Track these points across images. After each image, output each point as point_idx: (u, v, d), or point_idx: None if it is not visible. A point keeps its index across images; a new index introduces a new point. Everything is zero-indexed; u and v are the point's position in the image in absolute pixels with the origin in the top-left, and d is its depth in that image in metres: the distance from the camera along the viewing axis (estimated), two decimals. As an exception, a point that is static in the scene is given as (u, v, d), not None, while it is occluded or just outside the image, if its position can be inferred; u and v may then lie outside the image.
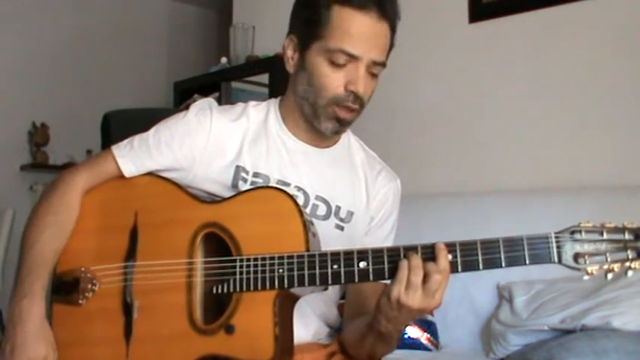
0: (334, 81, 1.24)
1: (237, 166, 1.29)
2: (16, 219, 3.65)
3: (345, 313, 1.41)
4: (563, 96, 2.60)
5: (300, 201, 1.26)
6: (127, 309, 1.20)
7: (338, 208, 1.32)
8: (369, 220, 1.37)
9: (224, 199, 1.22)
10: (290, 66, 1.32)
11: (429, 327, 2.32)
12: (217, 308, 1.16)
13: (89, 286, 1.23)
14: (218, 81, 3.58)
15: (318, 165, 1.33)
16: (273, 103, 1.38)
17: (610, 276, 1.03)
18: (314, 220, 1.22)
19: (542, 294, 2.11)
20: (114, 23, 4.87)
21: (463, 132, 2.88)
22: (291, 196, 1.16)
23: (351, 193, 1.35)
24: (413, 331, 2.30)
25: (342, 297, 1.45)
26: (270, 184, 1.27)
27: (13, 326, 1.15)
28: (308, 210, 1.28)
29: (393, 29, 1.29)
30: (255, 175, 1.29)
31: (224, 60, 3.66)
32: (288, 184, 1.29)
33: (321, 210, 1.31)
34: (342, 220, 1.33)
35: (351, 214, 1.34)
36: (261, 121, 1.34)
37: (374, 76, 1.27)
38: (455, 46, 2.93)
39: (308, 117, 1.29)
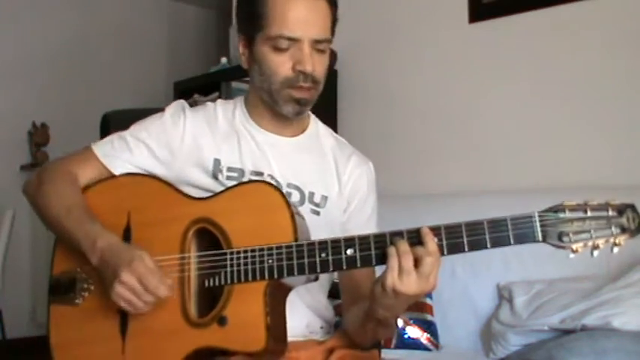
0: (282, 64, 1.28)
1: (215, 159, 1.33)
2: (16, 219, 3.65)
3: (342, 300, 1.43)
4: (563, 96, 2.60)
5: None
6: None
7: (311, 194, 1.36)
8: (345, 204, 1.40)
9: (213, 195, 1.24)
10: (244, 62, 1.37)
11: (429, 327, 2.32)
12: (211, 301, 1.17)
13: (85, 285, 1.25)
14: (218, 81, 3.57)
15: (288, 154, 1.37)
16: (240, 99, 1.43)
17: (596, 253, 1.03)
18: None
19: (542, 294, 2.11)
20: (114, 23, 4.87)
21: (463, 132, 2.88)
22: (278, 189, 1.19)
23: (322, 179, 1.38)
24: (413, 331, 2.30)
25: (337, 296, 1.46)
26: (255, 178, 1.31)
27: (105, 261, 1.17)
28: None
29: (332, 3, 1.31)
30: (230, 169, 1.33)
31: (224, 60, 3.66)
32: (261, 174, 1.33)
33: (295, 197, 1.34)
34: (317, 205, 1.36)
35: (325, 198, 1.37)
36: (230, 118, 1.39)
37: (322, 52, 1.31)
38: (455, 47, 2.93)
39: (269, 105, 1.34)
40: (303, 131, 1.42)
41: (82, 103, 4.49)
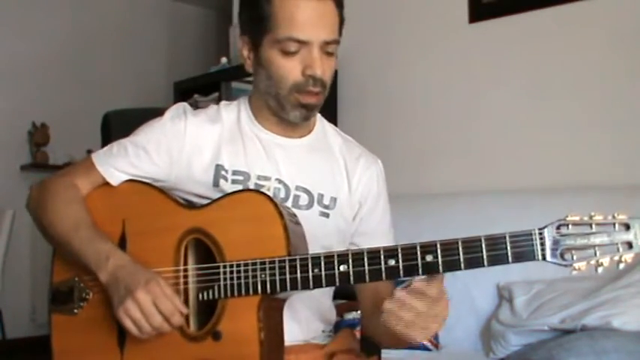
0: (291, 69, 1.24)
1: (217, 165, 1.30)
2: (16, 219, 3.65)
3: (361, 306, 1.40)
4: (563, 96, 2.60)
5: (282, 193, 1.28)
6: None
7: (321, 195, 1.33)
8: (356, 205, 1.37)
9: (206, 204, 1.22)
10: (248, 66, 1.33)
11: (429, 327, 2.32)
12: (208, 314, 1.17)
13: (83, 295, 1.24)
14: (218, 81, 3.57)
15: (295, 155, 1.34)
16: (243, 101, 1.39)
17: (600, 270, 0.99)
18: (297, 212, 1.23)
19: (542, 294, 2.11)
20: (114, 23, 4.87)
21: (463, 132, 2.88)
22: (271, 199, 1.16)
23: (331, 179, 1.35)
24: (413, 331, 2.30)
25: (336, 296, 1.45)
26: (251, 187, 1.28)
27: (116, 278, 1.14)
28: (290, 201, 1.29)
29: (339, 4, 1.28)
30: (235, 172, 1.30)
31: (224, 60, 3.66)
32: (268, 178, 1.30)
33: (304, 200, 1.31)
34: (326, 207, 1.33)
35: (334, 200, 1.34)
36: (234, 120, 1.35)
37: (330, 54, 1.27)
38: (455, 47, 2.94)
39: (275, 110, 1.30)
40: (309, 132, 1.39)
41: (82, 103, 4.49)
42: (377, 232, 1.38)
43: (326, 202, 1.33)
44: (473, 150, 2.84)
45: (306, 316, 1.32)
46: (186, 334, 1.16)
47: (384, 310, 1.08)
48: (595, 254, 0.99)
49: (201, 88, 3.65)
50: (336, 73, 3.78)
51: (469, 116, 2.87)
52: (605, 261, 0.98)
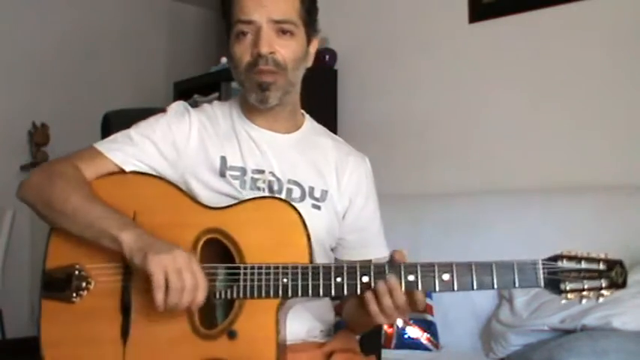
0: (243, 51, 1.29)
1: (222, 157, 1.33)
2: (16, 219, 3.65)
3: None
4: (563, 96, 2.60)
5: (276, 186, 1.31)
6: (125, 309, 1.19)
7: (311, 188, 1.36)
8: (346, 202, 1.40)
9: (227, 206, 1.23)
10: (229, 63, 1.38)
11: (429, 327, 2.32)
12: (210, 313, 1.17)
13: (84, 284, 1.22)
14: (218, 81, 3.57)
15: (286, 150, 1.37)
16: (234, 100, 1.43)
17: (584, 301, 1.14)
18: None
19: (543, 294, 2.11)
20: (114, 23, 4.87)
21: (463, 132, 2.88)
22: (294, 207, 1.19)
23: (321, 174, 1.38)
24: (413, 331, 2.30)
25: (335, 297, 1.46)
26: (247, 181, 1.31)
27: (149, 236, 1.15)
28: (283, 194, 1.32)
29: None
30: (232, 168, 1.32)
31: (224, 60, 3.66)
32: (262, 172, 1.33)
33: (296, 193, 1.34)
34: (317, 199, 1.36)
35: (325, 192, 1.37)
36: (227, 118, 1.39)
37: (287, 34, 1.29)
38: (455, 47, 2.94)
39: (247, 98, 1.33)
40: (297, 129, 1.41)
41: (82, 103, 4.49)
42: (369, 229, 1.42)
43: (317, 194, 1.36)
44: (473, 150, 2.84)
45: (306, 317, 1.33)
46: (198, 331, 1.16)
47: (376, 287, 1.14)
48: (583, 288, 1.13)
49: (201, 88, 3.65)
50: (335, 72, 3.79)
51: (469, 116, 2.87)
52: (591, 294, 1.13)
